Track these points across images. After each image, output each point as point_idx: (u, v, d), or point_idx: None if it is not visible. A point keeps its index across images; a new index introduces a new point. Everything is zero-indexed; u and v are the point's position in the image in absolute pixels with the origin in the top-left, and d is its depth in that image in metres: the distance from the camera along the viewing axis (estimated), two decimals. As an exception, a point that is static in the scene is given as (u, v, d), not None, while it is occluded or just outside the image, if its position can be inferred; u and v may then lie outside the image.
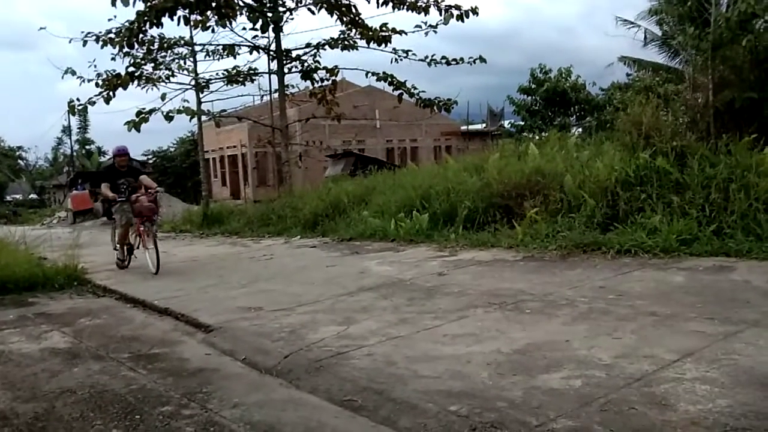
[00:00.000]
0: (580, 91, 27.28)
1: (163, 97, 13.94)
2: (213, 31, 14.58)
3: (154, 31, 14.03)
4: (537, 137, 18.78)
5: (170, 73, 15.38)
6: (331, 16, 14.61)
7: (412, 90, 15.84)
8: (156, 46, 14.63)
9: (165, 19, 13.22)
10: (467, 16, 14.91)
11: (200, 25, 14.60)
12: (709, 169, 7.19)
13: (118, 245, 8.60)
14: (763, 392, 2.88)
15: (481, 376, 3.40)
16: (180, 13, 13.28)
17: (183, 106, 14.18)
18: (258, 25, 14.20)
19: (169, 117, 13.56)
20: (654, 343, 3.67)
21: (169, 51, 15.19)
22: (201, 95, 16.24)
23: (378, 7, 14.40)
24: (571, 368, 3.39)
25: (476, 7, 14.83)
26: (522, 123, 28.11)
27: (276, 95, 16.10)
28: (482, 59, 15.80)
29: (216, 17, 13.98)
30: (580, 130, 24.99)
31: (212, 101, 25.21)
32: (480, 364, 3.57)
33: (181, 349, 4.70)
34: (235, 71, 15.74)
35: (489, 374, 3.41)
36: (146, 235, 8.06)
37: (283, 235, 11.59)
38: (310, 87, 15.96)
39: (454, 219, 9.13)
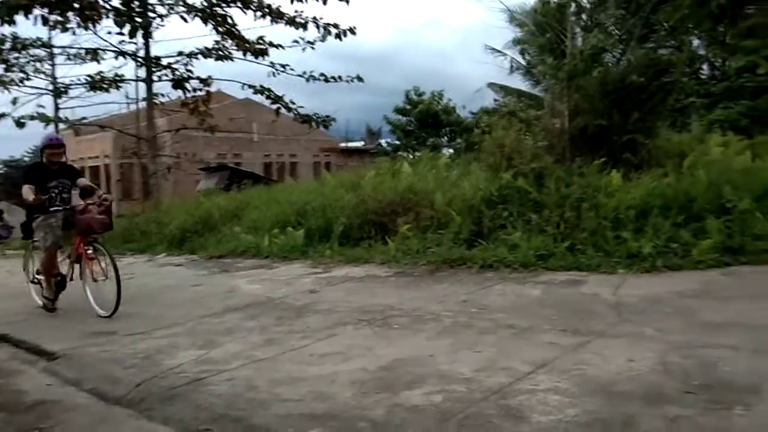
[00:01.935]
0: (451, 114, 28.68)
1: (14, 101, 12.70)
2: (74, 33, 13.54)
3: (6, 30, 12.77)
4: (411, 156, 19.33)
5: (24, 75, 14.08)
6: (206, 25, 14.15)
7: (290, 104, 15.70)
8: (8, 45, 13.34)
9: (20, 18, 12.09)
10: (345, 35, 15.11)
11: (60, 26, 13.50)
12: (564, 189, 7.72)
13: (40, 278, 6.24)
14: (607, 400, 3.06)
15: (345, 396, 3.33)
16: (37, 12, 12.20)
17: (37, 112, 13.02)
18: (125, 30, 13.40)
19: (20, 123, 12.39)
20: (511, 356, 3.81)
21: (24, 52, 13.90)
22: (59, 101, 15.02)
23: (255, 19, 14.19)
24: (433, 383, 3.41)
25: (354, 27, 15.09)
26: (397, 142, 28.93)
27: (144, 104, 15.24)
28: (360, 78, 16.05)
29: (78, 19, 13.01)
30: (450, 150, 26.14)
31: (72, 108, 23.28)
32: (345, 384, 3.50)
33: (18, 380, 4.23)
34: (99, 77, 14.70)
35: (353, 394, 3.35)
36: (93, 261, 5.76)
37: (147, 252, 10.89)
38: (182, 97, 15.29)
39: (330, 235, 9.06)
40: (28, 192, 5.76)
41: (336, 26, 14.74)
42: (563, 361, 3.66)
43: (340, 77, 15.91)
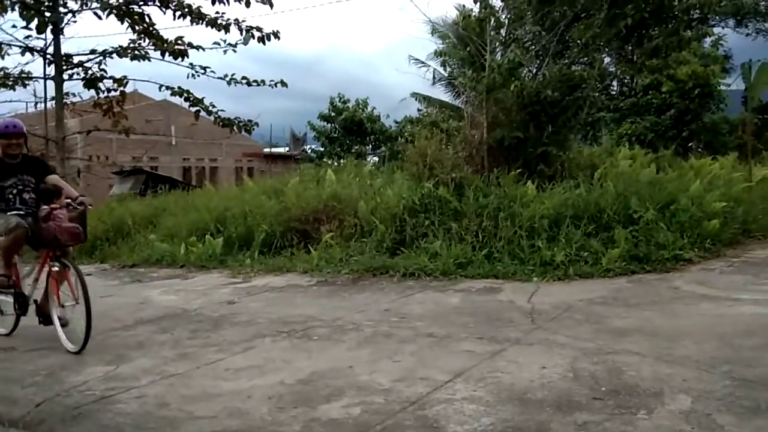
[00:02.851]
0: (375, 122, 28.89)
1: None
2: (-27, 25, 12.54)
3: None
4: (335, 164, 19.29)
5: None
6: (122, 23, 13.49)
7: (211, 108, 15.24)
8: None
9: None
10: (269, 39, 14.83)
11: (-44, 18, 12.47)
12: (483, 199, 7.93)
13: None
14: (520, 407, 3.14)
15: (261, 411, 3.23)
16: (-72, 1, 11.24)
17: (-73, 109, 11.95)
18: (33, 25, 12.55)
19: None
20: (430, 365, 3.84)
21: None
22: (-46, 97, 13.89)
23: (174, 19, 13.65)
24: (351, 395, 3.38)
25: (277, 31, 14.80)
26: (322, 149, 28.82)
27: (52, 103, 14.35)
28: (284, 83, 15.75)
29: (-22, 10, 12.07)
30: (375, 158, 26.31)
31: (-28, 105, 21.75)
32: (261, 399, 3.41)
33: None
34: (2, 73, 13.70)
35: (269, 409, 3.26)
36: (60, 281, 4.68)
37: (53, 260, 10.24)
38: (95, 97, 14.50)
39: (251, 243, 8.85)
40: None
41: (259, 29, 14.40)
42: (479, 370, 3.72)
43: (263, 81, 15.55)
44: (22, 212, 4.81)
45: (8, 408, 3.55)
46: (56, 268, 4.65)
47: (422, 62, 16.78)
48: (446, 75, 16.28)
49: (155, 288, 7.17)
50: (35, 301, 4.95)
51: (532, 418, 2.99)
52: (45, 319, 4.94)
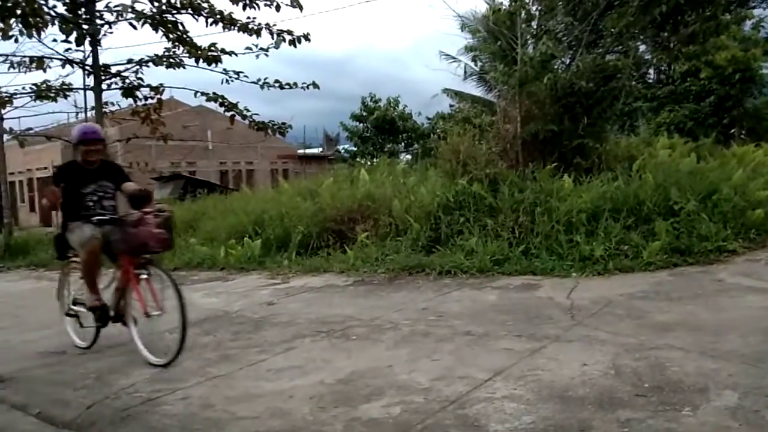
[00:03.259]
0: (407, 120, 28.87)
1: (-48, 111, 12.12)
2: (16, 41, 13.02)
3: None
4: (368, 163, 19.36)
5: (-38, 84, 13.46)
6: (156, 32, 13.81)
7: (245, 112, 15.48)
8: (-56, 54, 12.73)
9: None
10: (299, 42, 14.98)
11: (1, 33, 12.97)
12: (518, 194, 7.85)
13: (78, 309, 4.96)
14: (561, 405, 3.12)
15: (303, 411, 3.29)
16: (-25, 19, 11.68)
17: (-23, 123, 12.45)
18: (72, 38, 12.96)
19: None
20: (469, 363, 3.84)
21: (-39, 61, 13.28)
22: (2, 111, 14.43)
23: (207, 26, 13.92)
24: (391, 395, 3.41)
25: (308, 34, 14.98)
26: (355, 149, 28.96)
27: (93, 113, 14.78)
28: (315, 85, 15.90)
29: (21, 26, 12.53)
30: (408, 156, 26.31)
31: (18, 118, 22.54)
32: (303, 399, 3.46)
33: (-42, 407, 4.01)
34: (44, 85, 14.17)
35: (311, 409, 3.31)
36: (146, 290, 4.41)
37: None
38: (133, 105, 14.89)
39: (288, 245, 8.98)
40: (49, 194, 4.57)
41: (290, 33, 14.57)
42: (519, 368, 3.70)
43: (295, 84, 15.73)
44: (105, 217, 4.66)
45: (62, 410, 3.69)
46: (144, 276, 4.40)
47: (453, 58, 16.72)
48: (477, 70, 16.18)
49: (197, 291, 7.32)
50: (114, 312, 4.73)
51: (574, 415, 2.97)
52: (104, 317, 4.76)
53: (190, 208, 12.33)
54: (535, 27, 11.86)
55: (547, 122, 9.99)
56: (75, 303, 5.04)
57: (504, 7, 10.81)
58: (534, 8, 11.44)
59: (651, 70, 20.26)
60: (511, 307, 5.31)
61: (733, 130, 18.44)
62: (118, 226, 4.58)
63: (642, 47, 13.21)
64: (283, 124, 16.40)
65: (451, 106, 26.45)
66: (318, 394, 3.51)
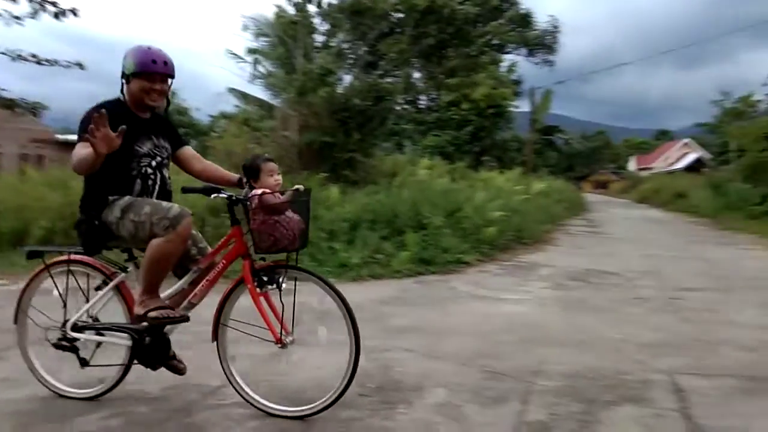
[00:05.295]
0: (183, 114, 27.58)
1: None
2: None
3: None
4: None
5: None
6: None
7: (-10, 87, 13.34)
8: None
9: None
10: (64, 15, 13.43)
11: None
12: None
13: (66, 334, 3.22)
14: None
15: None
16: None
17: None
18: None
19: None
20: (202, 369, 3.76)
21: None
22: None
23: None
24: (116, 407, 3.18)
25: (76, 9, 13.51)
26: (123, 139, 26.84)
27: None
28: (80, 65, 14.43)
29: None
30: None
31: None
32: (7, 416, 3.06)
33: None
34: None
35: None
36: (269, 307, 3.08)
37: None
38: None
39: (27, 240, 7.91)
40: (78, 151, 2.79)
41: (53, 3, 13.01)
42: (257, 372, 3.72)
43: (56, 61, 14.07)
44: (225, 194, 3.03)
45: None
46: (272, 287, 3.06)
47: (240, 57, 16.44)
48: (263, 73, 16.12)
49: None
50: None
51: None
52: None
53: None
54: (318, 40, 12.24)
55: (323, 133, 10.37)
56: (78, 328, 3.22)
57: (288, 16, 10.98)
58: (318, 22, 11.83)
59: (424, 97, 22.22)
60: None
61: (484, 157, 21.04)
62: (236, 207, 3.03)
63: (418, 74, 14.46)
64: (37, 103, 14.52)
65: (236, 106, 25.93)
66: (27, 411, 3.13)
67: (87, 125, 2.63)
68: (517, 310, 5.58)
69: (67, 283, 3.22)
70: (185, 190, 3.09)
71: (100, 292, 3.18)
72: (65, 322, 3.20)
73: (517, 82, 25.56)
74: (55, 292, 3.23)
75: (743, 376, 3.77)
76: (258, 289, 3.00)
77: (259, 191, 2.91)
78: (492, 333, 4.74)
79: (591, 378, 3.72)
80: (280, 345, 3.06)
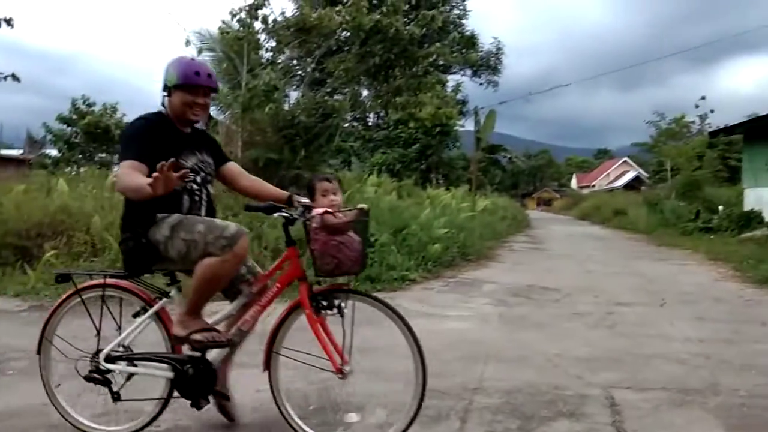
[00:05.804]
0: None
1: None
2: None
3: None
4: (73, 172, 17.41)
5: None
6: None
7: None
8: None
9: None
10: (-1, 25, 12.91)
11: None
12: (232, 218, 7.83)
13: (100, 366, 2.96)
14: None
15: None
16: None
17: None
18: None
19: None
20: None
21: None
22: None
23: None
24: (40, 437, 3.02)
25: (10, 18, 13.01)
26: (59, 155, 25.79)
27: None
28: (15, 77, 13.87)
29: None
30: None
31: None
32: None
33: None
34: None
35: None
36: (324, 333, 2.98)
37: None
38: None
39: (-52, 261, 7.50)
40: (129, 175, 2.59)
41: (-14, 13, 12.48)
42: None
43: (-13, 73, 13.47)
44: (287, 213, 2.84)
45: None
46: (332, 312, 2.94)
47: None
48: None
49: None
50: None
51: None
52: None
53: None
54: (265, 57, 12.17)
55: (268, 150, 10.27)
56: (112, 358, 2.97)
57: (233, 31, 10.87)
58: (264, 38, 11.76)
59: (372, 115, 22.40)
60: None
61: (431, 175, 21.33)
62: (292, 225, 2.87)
63: (365, 93, 14.56)
64: (-35, 116, 13.85)
65: (181, 121, 25.36)
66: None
67: (133, 142, 2.69)
68: (460, 326, 5.63)
69: (102, 310, 2.96)
70: (248, 208, 3.01)
71: (138, 320, 2.92)
72: (98, 351, 2.95)
73: (463, 102, 26.16)
74: (87, 320, 2.96)
75: (673, 388, 3.91)
76: (315, 315, 2.87)
77: (321, 210, 2.75)
78: (435, 351, 4.73)
79: (529, 394, 3.78)
80: (340, 375, 2.92)
